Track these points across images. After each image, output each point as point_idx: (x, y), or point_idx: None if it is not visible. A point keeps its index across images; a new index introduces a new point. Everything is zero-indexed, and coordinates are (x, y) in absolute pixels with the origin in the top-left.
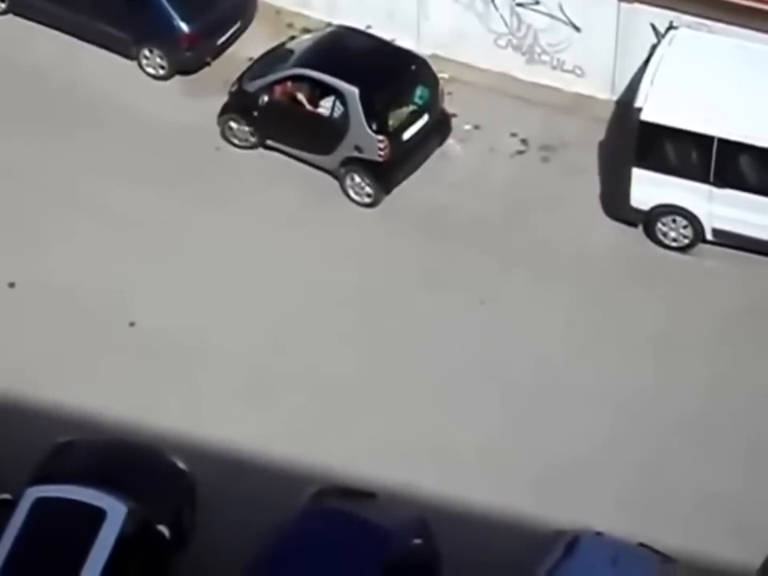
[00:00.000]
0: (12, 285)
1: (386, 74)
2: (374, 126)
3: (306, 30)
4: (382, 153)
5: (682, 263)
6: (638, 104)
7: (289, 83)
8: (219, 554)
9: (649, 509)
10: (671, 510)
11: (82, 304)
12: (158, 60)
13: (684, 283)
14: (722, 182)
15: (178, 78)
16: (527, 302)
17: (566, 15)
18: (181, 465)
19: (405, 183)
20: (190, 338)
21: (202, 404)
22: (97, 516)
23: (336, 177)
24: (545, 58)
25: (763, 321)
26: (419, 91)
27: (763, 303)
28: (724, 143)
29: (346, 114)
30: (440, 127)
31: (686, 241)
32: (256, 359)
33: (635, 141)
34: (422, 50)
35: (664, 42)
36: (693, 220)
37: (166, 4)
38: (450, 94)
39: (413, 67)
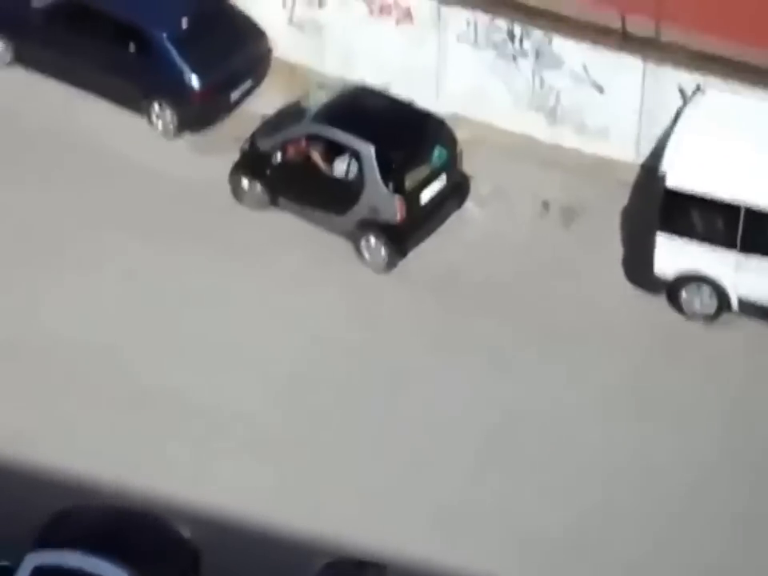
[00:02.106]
0: (11, 344)
1: (403, 133)
2: (391, 187)
3: (322, 88)
4: (398, 214)
5: (706, 334)
6: (662, 169)
7: (303, 141)
8: None
9: None
10: None
11: (85, 364)
12: (168, 116)
13: (708, 355)
14: (749, 250)
15: (188, 134)
16: (544, 369)
17: (589, 75)
18: (184, 533)
19: (421, 246)
20: (195, 400)
21: (207, 470)
22: None
23: (351, 238)
24: (567, 119)
25: None
26: (437, 151)
27: None
28: (752, 210)
29: (361, 174)
30: (458, 189)
31: (711, 311)
32: (263, 422)
33: (660, 207)
34: (441, 108)
35: (690, 104)
36: (718, 289)
37: (178, 58)
38: (469, 155)
39: (431, 127)
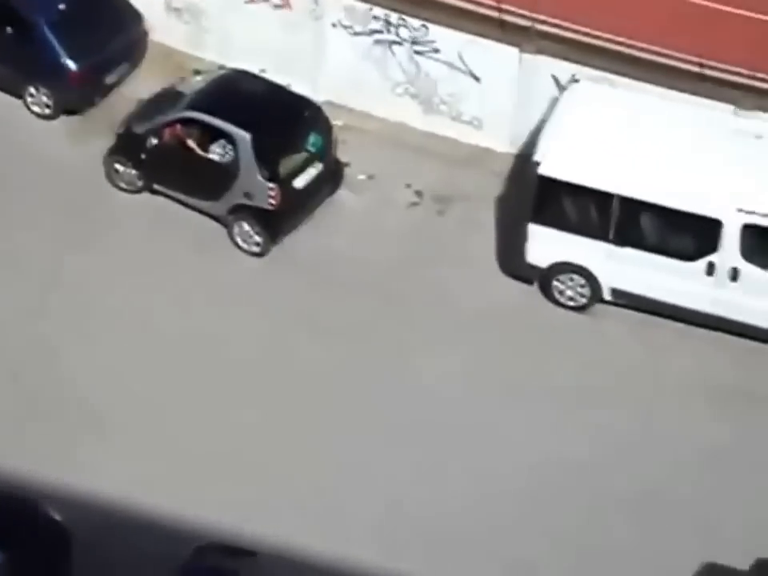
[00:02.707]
0: None
1: (278, 119)
2: (265, 173)
3: (198, 72)
4: (272, 200)
5: (577, 322)
6: (536, 158)
7: (178, 126)
8: None
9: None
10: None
11: None
12: (44, 98)
13: (579, 344)
14: (621, 240)
15: (64, 117)
16: (421, 354)
17: (465, 65)
18: (56, 516)
19: (295, 232)
20: (69, 383)
21: (80, 453)
22: None
23: (224, 224)
24: (443, 108)
25: (656, 383)
26: (312, 138)
27: (657, 367)
28: (624, 201)
29: (236, 160)
30: (333, 176)
31: (584, 300)
32: (137, 410)
33: (533, 196)
34: (317, 96)
35: (565, 94)
36: (590, 279)
37: (54, 40)
38: (344, 142)
39: (306, 113)
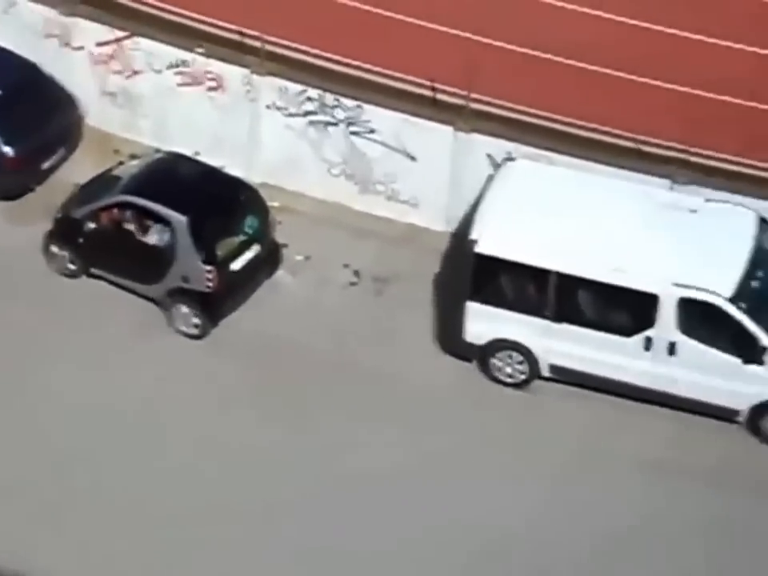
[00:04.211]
0: None
1: (215, 202)
2: (203, 256)
3: (134, 156)
4: (210, 283)
5: (517, 400)
6: (472, 236)
7: (115, 210)
8: None
9: None
10: None
11: None
12: None
13: (519, 421)
14: (559, 316)
15: (1, 202)
16: (357, 437)
17: (401, 144)
18: None
19: (234, 314)
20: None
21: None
22: None
23: (163, 307)
24: (379, 188)
25: (597, 461)
26: (249, 221)
27: (598, 443)
28: (561, 277)
29: (173, 243)
30: (270, 257)
31: (522, 377)
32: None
33: (470, 274)
34: (252, 177)
35: (500, 172)
36: (529, 355)
37: None
38: (280, 223)
39: (243, 196)
